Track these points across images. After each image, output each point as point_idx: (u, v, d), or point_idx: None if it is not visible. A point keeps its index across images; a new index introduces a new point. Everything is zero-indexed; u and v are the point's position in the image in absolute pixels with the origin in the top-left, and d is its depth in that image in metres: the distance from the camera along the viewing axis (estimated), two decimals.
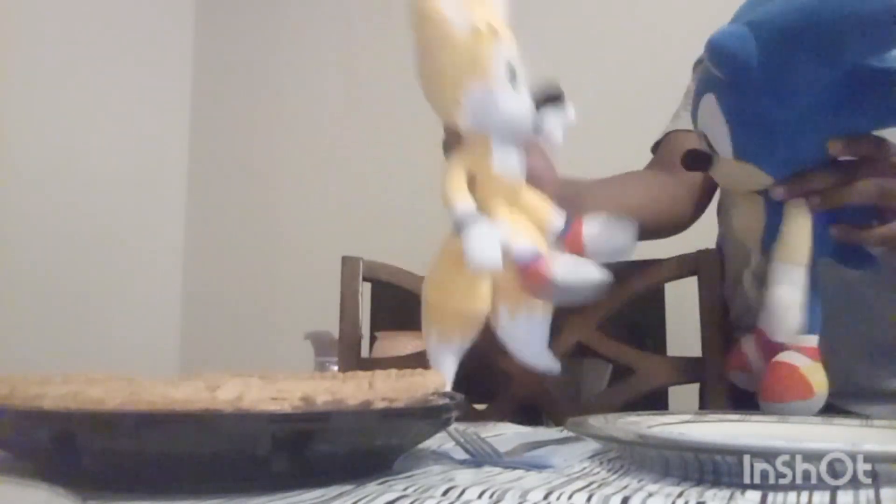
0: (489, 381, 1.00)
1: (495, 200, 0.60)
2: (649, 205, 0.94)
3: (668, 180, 0.98)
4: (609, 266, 0.85)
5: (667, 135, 1.03)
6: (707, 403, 0.97)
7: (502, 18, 0.62)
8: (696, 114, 0.72)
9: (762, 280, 0.71)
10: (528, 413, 1.03)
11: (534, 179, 0.64)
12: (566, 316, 1.06)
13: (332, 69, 2.30)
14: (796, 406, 0.66)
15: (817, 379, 0.67)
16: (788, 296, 0.68)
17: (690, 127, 0.96)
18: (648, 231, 0.89)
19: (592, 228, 0.64)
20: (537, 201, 0.63)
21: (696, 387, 1.03)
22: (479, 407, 1.05)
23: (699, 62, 1.00)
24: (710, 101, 0.68)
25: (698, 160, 0.73)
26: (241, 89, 2.42)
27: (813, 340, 0.69)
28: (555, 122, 0.60)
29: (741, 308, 0.96)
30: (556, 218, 0.64)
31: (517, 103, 0.59)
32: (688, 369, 1.02)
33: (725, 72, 0.64)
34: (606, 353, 1.08)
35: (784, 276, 0.68)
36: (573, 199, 0.74)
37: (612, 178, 0.95)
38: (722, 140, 0.68)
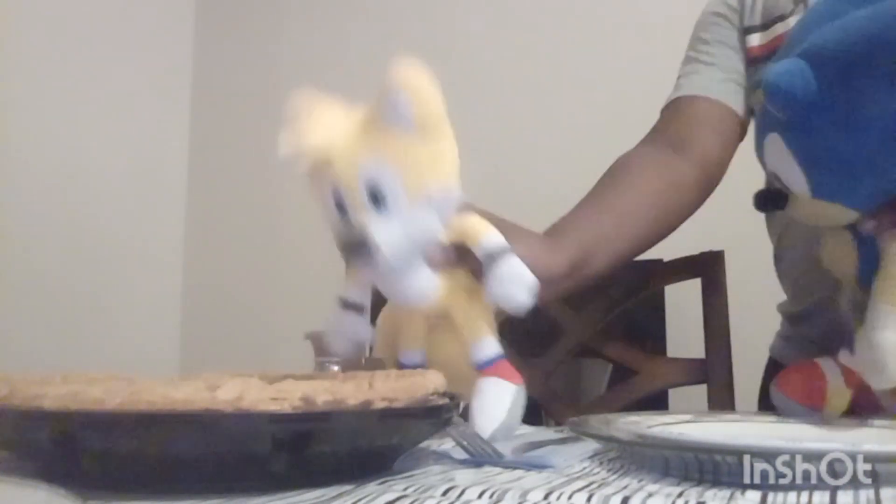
0: None
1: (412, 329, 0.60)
2: (652, 212, 0.85)
3: (672, 164, 0.89)
4: (612, 267, 0.85)
5: (670, 103, 0.95)
6: (714, 405, 0.97)
7: (352, 129, 0.55)
8: (760, 151, 0.67)
9: (861, 309, 0.65)
10: (529, 413, 1.03)
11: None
12: (568, 317, 1.06)
13: (332, 69, 2.30)
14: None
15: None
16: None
17: (696, 92, 0.92)
18: (654, 241, 0.86)
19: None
20: (470, 321, 0.59)
21: (695, 388, 1.03)
22: None
23: (697, 28, 0.96)
24: (775, 141, 0.63)
25: (772, 200, 0.67)
26: (241, 89, 2.42)
27: None
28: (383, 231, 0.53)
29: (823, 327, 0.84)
30: (481, 350, 0.59)
31: (342, 231, 0.54)
32: (691, 371, 1.02)
33: (786, 112, 0.60)
34: (609, 355, 1.08)
35: (891, 320, 0.61)
36: (566, 246, 0.71)
37: (601, 193, 0.85)
38: (796, 181, 0.63)
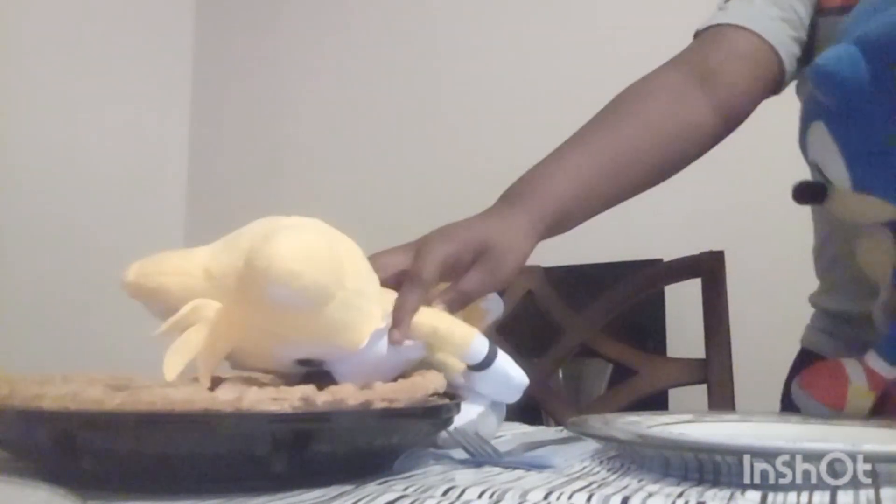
0: None
1: None
2: (653, 156, 0.78)
3: (690, 99, 0.80)
4: (611, 267, 0.84)
5: (709, 28, 0.84)
6: (714, 405, 0.97)
7: None
8: (804, 141, 0.65)
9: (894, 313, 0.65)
10: (529, 413, 1.03)
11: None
12: (569, 317, 1.06)
13: (332, 69, 2.30)
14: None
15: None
16: None
17: (740, 22, 0.81)
18: (649, 187, 0.79)
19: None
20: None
21: (695, 388, 1.03)
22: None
23: None
24: (819, 129, 0.62)
25: (810, 193, 0.66)
26: (241, 89, 2.42)
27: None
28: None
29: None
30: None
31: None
32: (691, 371, 1.02)
33: (834, 99, 0.58)
34: (610, 355, 1.07)
35: None
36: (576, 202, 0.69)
37: (600, 128, 0.78)
38: (837, 172, 0.62)
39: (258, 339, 0.48)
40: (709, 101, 0.80)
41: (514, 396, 0.59)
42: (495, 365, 0.57)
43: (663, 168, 0.79)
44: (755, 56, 0.82)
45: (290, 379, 0.50)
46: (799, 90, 0.87)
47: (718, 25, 0.83)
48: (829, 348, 0.86)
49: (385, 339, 0.52)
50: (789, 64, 0.83)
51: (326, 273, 0.46)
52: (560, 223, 0.71)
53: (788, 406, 0.81)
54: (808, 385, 0.67)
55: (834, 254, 0.88)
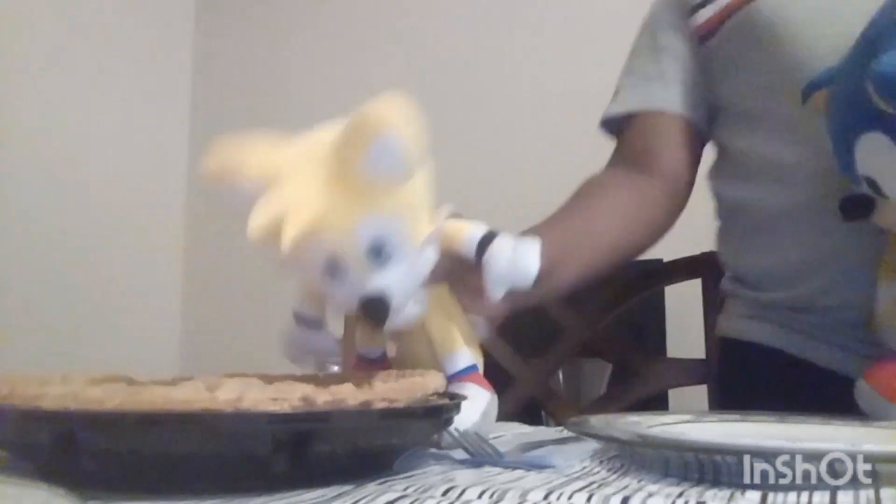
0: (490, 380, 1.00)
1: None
2: (621, 230, 0.83)
3: (639, 184, 0.86)
4: (613, 267, 0.84)
5: (632, 117, 0.90)
6: (714, 405, 0.97)
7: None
8: (847, 156, 0.63)
9: None
10: (529, 413, 1.03)
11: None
12: (568, 317, 1.06)
13: (332, 69, 2.30)
14: (882, 403, 0.64)
15: None
16: None
17: (662, 106, 0.86)
18: (623, 258, 0.83)
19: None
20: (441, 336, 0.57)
21: (695, 388, 1.03)
22: None
23: (646, 26, 0.92)
24: (877, 141, 0.60)
25: (858, 207, 0.65)
26: (241, 89, 2.42)
27: None
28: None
29: None
30: (454, 362, 0.58)
31: (346, 293, 0.52)
32: (691, 371, 1.02)
33: None
34: (609, 356, 1.08)
35: None
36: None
37: (568, 210, 0.82)
38: None
39: (341, 208, 0.48)
40: (656, 183, 0.86)
41: (530, 264, 0.55)
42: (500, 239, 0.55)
43: (634, 240, 0.84)
44: (679, 132, 0.88)
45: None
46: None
47: (637, 115, 0.89)
48: (764, 334, 0.84)
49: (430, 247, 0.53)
50: (702, 120, 0.89)
51: (421, 141, 0.48)
52: (544, 276, 0.68)
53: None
54: (874, 381, 0.66)
55: (766, 241, 0.84)
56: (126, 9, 2.27)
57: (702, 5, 0.85)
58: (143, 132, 2.30)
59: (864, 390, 0.66)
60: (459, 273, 0.57)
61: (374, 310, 0.50)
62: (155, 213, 2.34)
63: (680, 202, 0.89)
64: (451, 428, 0.52)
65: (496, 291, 0.55)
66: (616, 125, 0.92)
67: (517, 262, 0.54)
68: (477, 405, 0.56)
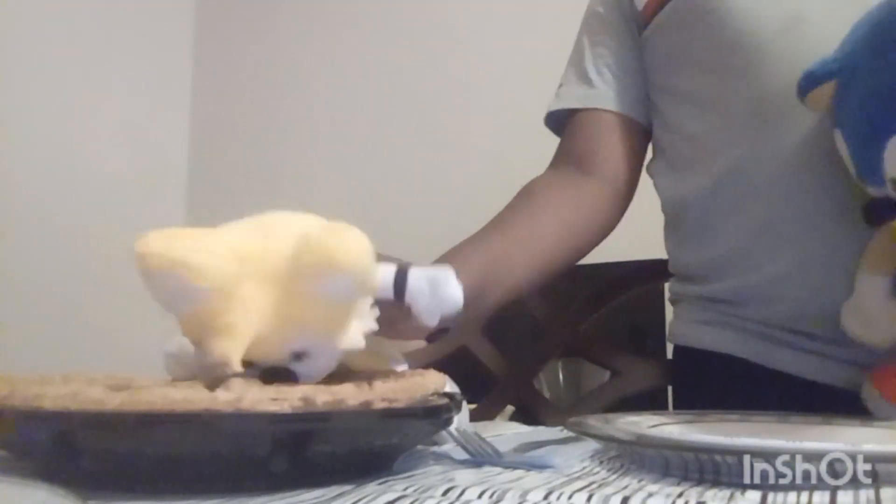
0: (474, 381, 0.99)
1: None
2: (559, 235, 0.82)
3: (579, 185, 0.85)
4: (611, 267, 0.84)
5: (574, 113, 0.89)
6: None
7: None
8: (872, 157, 0.62)
9: None
10: (529, 413, 1.03)
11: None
12: (551, 317, 1.05)
13: (332, 69, 2.30)
14: (889, 409, 0.64)
15: None
16: None
17: (598, 103, 0.86)
18: (564, 264, 0.83)
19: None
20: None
21: None
22: (470, 406, 1.05)
23: (585, 21, 0.91)
24: None
25: (884, 210, 0.64)
26: (241, 89, 2.42)
27: None
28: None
29: None
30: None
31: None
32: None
33: None
34: (590, 356, 1.07)
35: None
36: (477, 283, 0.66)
37: (504, 219, 0.81)
38: None
39: (274, 325, 0.47)
40: (596, 183, 0.85)
41: (452, 295, 0.55)
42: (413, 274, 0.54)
43: (574, 243, 0.83)
44: (620, 130, 0.87)
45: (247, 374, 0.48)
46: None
47: (578, 114, 0.88)
48: (716, 340, 0.82)
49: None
50: (641, 115, 0.87)
51: (371, 270, 0.48)
52: (480, 293, 0.69)
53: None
54: (882, 387, 0.65)
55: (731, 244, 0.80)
56: (126, 9, 2.27)
57: None
58: (143, 132, 2.30)
59: (870, 394, 0.66)
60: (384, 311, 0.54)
61: (277, 377, 0.48)
62: (155, 212, 2.34)
63: (621, 202, 0.88)
64: (451, 428, 0.52)
65: (429, 320, 0.55)
66: (558, 122, 0.92)
67: (440, 295, 0.55)
68: None
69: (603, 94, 0.88)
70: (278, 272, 0.46)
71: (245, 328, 0.45)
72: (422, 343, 0.64)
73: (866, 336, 0.67)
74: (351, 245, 0.45)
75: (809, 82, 0.65)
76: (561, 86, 0.92)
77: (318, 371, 0.50)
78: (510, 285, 0.76)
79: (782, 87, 0.70)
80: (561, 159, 0.90)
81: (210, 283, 0.44)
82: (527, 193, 0.85)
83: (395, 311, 0.55)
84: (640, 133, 0.89)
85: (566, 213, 0.83)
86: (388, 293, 0.54)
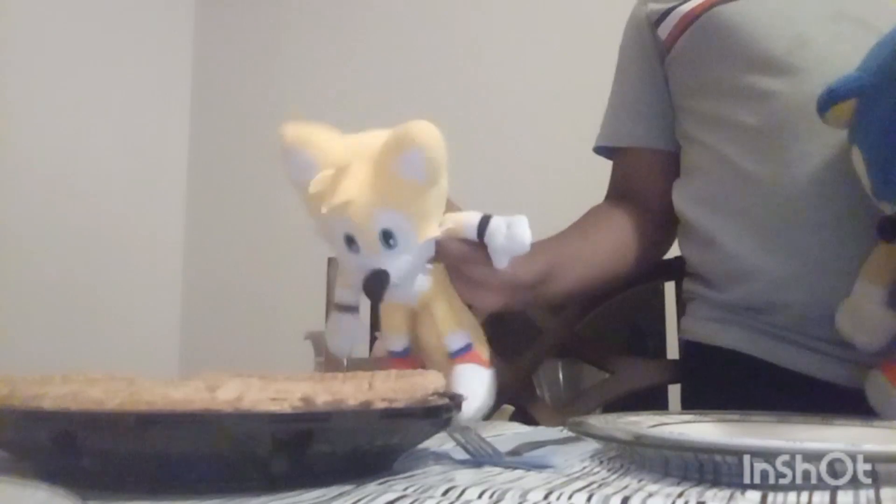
0: None
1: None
2: (618, 251, 0.89)
3: (635, 216, 0.92)
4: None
5: (621, 150, 0.97)
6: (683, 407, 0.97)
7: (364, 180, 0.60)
8: (891, 175, 0.62)
9: None
10: (527, 413, 1.03)
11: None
12: (545, 318, 1.05)
13: (332, 69, 2.30)
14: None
15: None
16: None
17: (633, 142, 0.93)
18: (618, 277, 0.90)
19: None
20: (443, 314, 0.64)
21: None
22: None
23: (620, 55, 0.97)
24: None
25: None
26: (241, 89, 2.42)
27: None
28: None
29: None
30: (454, 340, 0.64)
31: (355, 265, 0.61)
32: (666, 372, 1.01)
33: None
34: (581, 355, 1.07)
35: None
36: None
37: (573, 227, 0.89)
38: None
39: (370, 196, 0.58)
40: (646, 215, 0.92)
41: (521, 235, 0.61)
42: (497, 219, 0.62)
43: (629, 264, 0.90)
44: (653, 166, 0.94)
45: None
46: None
47: (623, 151, 0.96)
48: (727, 338, 0.85)
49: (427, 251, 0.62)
50: (675, 144, 0.93)
51: (443, 162, 0.58)
52: (545, 279, 0.74)
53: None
54: (889, 372, 0.66)
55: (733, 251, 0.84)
56: (126, 10, 2.27)
57: (661, 21, 0.90)
58: (143, 132, 2.30)
59: (877, 382, 0.67)
60: (462, 262, 0.64)
61: (374, 283, 0.59)
62: (155, 212, 2.34)
63: (670, 230, 0.94)
64: (475, 430, 0.54)
65: (500, 261, 0.62)
66: (606, 152, 0.99)
67: (513, 233, 0.61)
68: (483, 384, 0.62)
69: (635, 130, 0.95)
70: (374, 155, 0.58)
71: (353, 192, 0.58)
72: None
73: (857, 337, 0.69)
74: (426, 128, 0.56)
75: (830, 99, 0.66)
76: (603, 121, 0.98)
77: (406, 267, 0.60)
78: (575, 277, 0.81)
79: (789, 106, 0.75)
80: (613, 189, 0.99)
81: (329, 157, 0.58)
82: (593, 214, 0.92)
83: (473, 254, 0.63)
84: (675, 161, 0.94)
85: (620, 238, 0.90)
86: (473, 232, 0.62)
